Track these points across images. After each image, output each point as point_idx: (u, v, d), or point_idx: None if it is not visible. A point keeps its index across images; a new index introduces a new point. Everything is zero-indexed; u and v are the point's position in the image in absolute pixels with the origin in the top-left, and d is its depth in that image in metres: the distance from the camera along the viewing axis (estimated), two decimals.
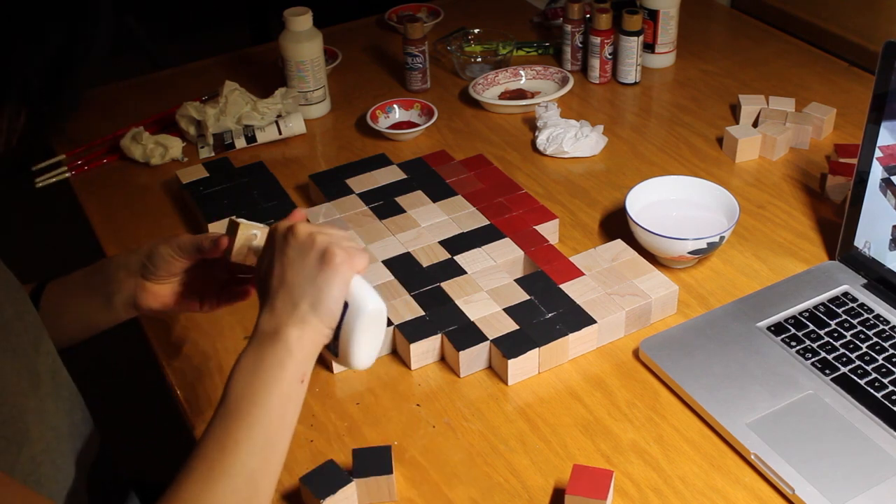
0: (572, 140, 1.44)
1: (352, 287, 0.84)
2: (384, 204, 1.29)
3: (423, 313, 1.10)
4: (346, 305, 0.84)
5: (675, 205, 1.25)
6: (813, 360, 1.05)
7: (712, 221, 1.22)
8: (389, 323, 1.09)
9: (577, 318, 1.09)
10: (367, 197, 1.31)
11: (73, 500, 0.90)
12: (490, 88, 1.63)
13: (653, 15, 1.64)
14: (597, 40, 1.61)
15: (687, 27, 1.73)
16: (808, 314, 1.11)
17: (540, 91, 1.63)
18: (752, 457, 0.95)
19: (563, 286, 1.13)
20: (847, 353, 1.05)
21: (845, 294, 1.14)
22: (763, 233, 1.28)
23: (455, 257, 1.19)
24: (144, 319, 1.17)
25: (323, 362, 1.10)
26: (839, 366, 1.04)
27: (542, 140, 1.46)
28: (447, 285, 1.14)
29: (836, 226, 1.22)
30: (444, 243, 1.21)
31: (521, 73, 1.66)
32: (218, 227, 1.27)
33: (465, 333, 1.07)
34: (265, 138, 1.52)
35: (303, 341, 0.83)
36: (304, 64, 1.53)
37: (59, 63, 0.73)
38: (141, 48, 3.19)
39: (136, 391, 2.05)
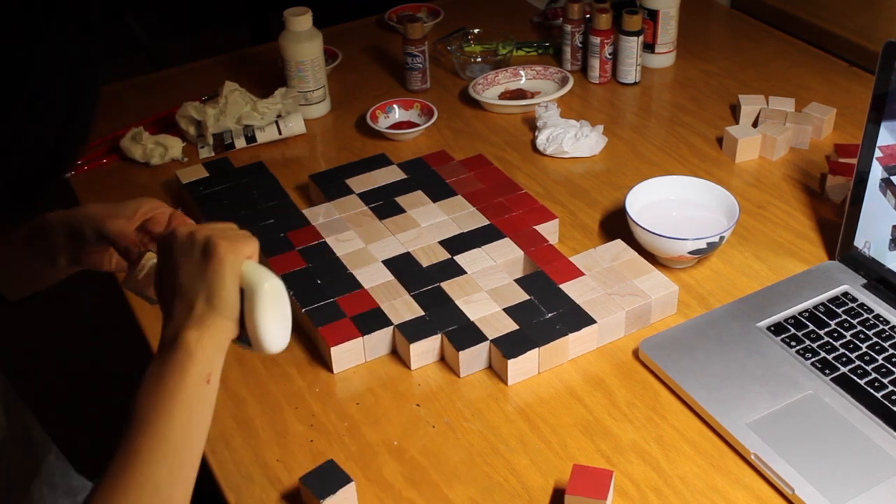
0: (572, 140, 1.44)
1: (243, 273, 0.83)
2: (384, 204, 1.29)
3: (423, 313, 1.10)
4: (242, 293, 0.83)
5: (675, 205, 1.25)
6: (813, 360, 1.05)
7: (712, 221, 1.22)
8: (389, 323, 1.09)
9: (577, 318, 1.09)
10: (367, 197, 1.31)
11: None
12: (490, 88, 1.63)
13: (653, 15, 1.64)
14: (597, 40, 1.61)
15: (687, 27, 1.73)
16: (808, 314, 1.11)
17: (540, 91, 1.63)
18: (752, 457, 0.95)
19: (562, 286, 1.13)
20: (847, 353, 1.05)
21: (845, 294, 1.13)
22: (763, 233, 1.28)
23: (455, 257, 1.19)
24: (144, 320, 1.17)
25: (322, 362, 1.10)
26: (839, 366, 1.04)
27: (542, 140, 1.46)
28: (447, 285, 1.14)
29: (836, 226, 1.22)
30: (444, 243, 1.21)
31: (521, 73, 1.66)
32: None
33: (465, 333, 1.07)
34: (265, 138, 1.52)
35: (203, 341, 0.81)
36: (304, 64, 1.53)
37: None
38: (141, 48, 3.19)
39: (134, 391, 2.04)
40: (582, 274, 1.15)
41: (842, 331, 1.08)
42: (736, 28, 1.85)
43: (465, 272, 1.16)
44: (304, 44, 1.52)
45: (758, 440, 0.96)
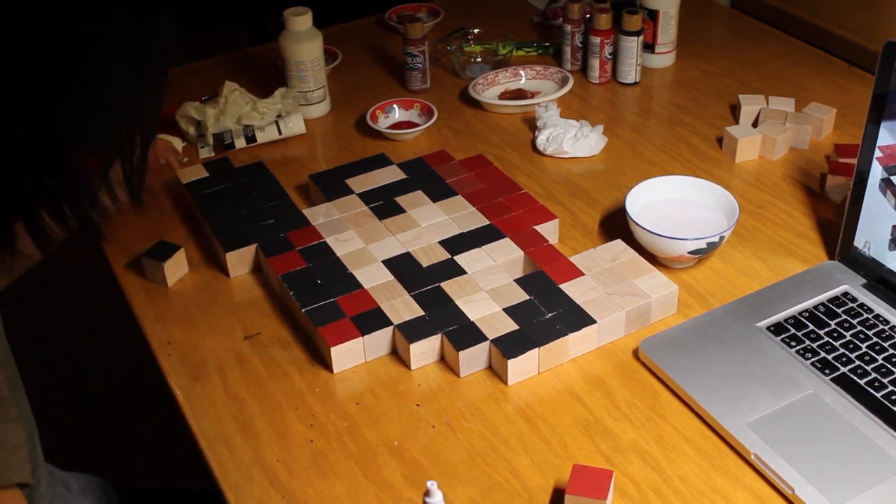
0: (572, 140, 1.44)
1: None
2: (384, 204, 1.29)
3: (423, 313, 1.10)
4: None
5: (675, 205, 1.25)
6: (813, 360, 1.05)
7: (712, 221, 1.22)
8: (389, 323, 1.09)
9: (577, 318, 1.09)
10: (367, 197, 1.31)
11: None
12: (490, 88, 1.63)
13: (653, 15, 1.64)
14: (597, 40, 1.61)
15: (687, 27, 1.73)
16: (807, 314, 1.11)
17: (540, 91, 1.63)
18: (752, 457, 0.95)
19: (562, 286, 1.13)
20: (847, 353, 1.05)
21: (845, 294, 1.13)
22: (763, 233, 1.28)
23: (455, 257, 1.19)
24: (143, 320, 1.17)
25: (322, 362, 1.10)
26: (839, 366, 1.04)
27: (542, 140, 1.46)
28: (447, 285, 1.14)
29: (836, 226, 1.22)
30: (444, 243, 1.21)
31: (521, 73, 1.66)
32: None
33: (464, 333, 1.07)
34: (265, 138, 1.52)
35: None
36: (304, 64, 1.53)
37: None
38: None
39: (135, 391, 2.05)
40: (582, 274, 1.15)
41: (842, 331, 1.08)
42: (736, 28, 1.85)
43: (465, 272, 1.16)
44: (304, 44, 1.52)
45: (758, 440, 0.96)
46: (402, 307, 1.11)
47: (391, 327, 1.09)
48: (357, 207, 1.29)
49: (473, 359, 1.07)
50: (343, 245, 1.22)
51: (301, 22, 1.52)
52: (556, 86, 1.63)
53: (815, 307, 1.12)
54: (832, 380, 1.02)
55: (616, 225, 1.29)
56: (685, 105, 1.58)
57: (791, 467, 0.93)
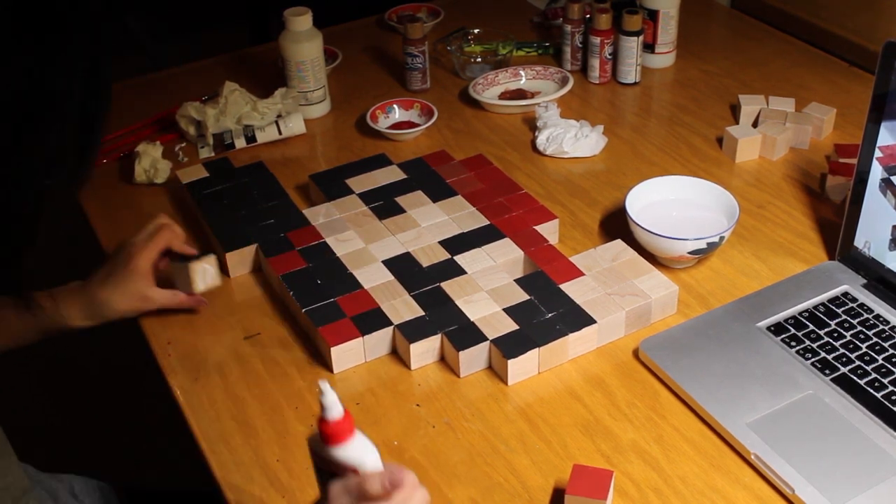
0: (572, 140, 1.44)
1: None
2: (384, 204, 1.29)
3: (423, 313, 1.10)
4: None
5: (675, 205, 1.25)
6: (813, 360, 1.05)
7: (712, 221, 1.22)
8: (389, 323, 1.09)
9: (577, 318, 1.09)
10: (367, 197, 1.31)
11: None
12: (490, 88, 1.63)
13: (653, 15, 1.64)
14: (597, 40, 1.61)
15: (687, 27, 1.73)
16: (807, 314, 1.11)
17: (540, 91, 1.63)
18: (752, 457, 0.95)
19: (563, 286, 1.13)
20: (847, 353, 1.05)
21: (845, 294, 1.13)
22: (763, 233, 1.28)
23: (455, 257, 1.19)
24: (143, 320, 1.17)
25: (322, 362, 1.10)
26: (839, 366, 1.04)
27: (542, 140, 1.46)
28: (447, 285, 1.14)
29: (836, 226, 1.22)
30: (444, 243, 1.21)
31: (521, 73, 1.66)
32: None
33: (465, 333, 1.07)
34: (265, 138, 1.51)
35: None
36: (304, 64, 1.53)
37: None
38: (141, 48, 3.19)
39: (134, 391, 2.05)
40: (582, 274, 1.15)
41: (842, 331, 1.08)
42: (736, 28, 1.85)
43: (465, 272, 1.16)
44: (304, 44, 1.52)
45: (758, 440, 0.96)
46: (402, 307, 1.11)
47: (391, 327, 1.09)
48: (357, 207, 1.29)
49: (473, 359, 1.07)
50: (343, 245, 1.22)
51: (301, 22, 1.52)
52: (556, 86, 1.63)
53: (815, 307, 1.12)
54: (832, 380, 1.02)
55: (616, 225, 1.29)
56: (685, 105, 1.58)
57: (791, 467, 0.93)
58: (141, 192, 1.43)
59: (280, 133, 1.52)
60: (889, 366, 1.03)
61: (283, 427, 1.02)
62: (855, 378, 1.02)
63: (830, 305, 1.12)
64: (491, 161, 1.39)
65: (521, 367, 1.06)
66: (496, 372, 1.07)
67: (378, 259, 1.19)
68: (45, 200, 0.73)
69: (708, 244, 1.17)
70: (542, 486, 0.94)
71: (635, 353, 1.09)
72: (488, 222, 1.25)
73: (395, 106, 1.57)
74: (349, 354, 1.08)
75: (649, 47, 1.67)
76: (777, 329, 1.09)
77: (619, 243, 1.20)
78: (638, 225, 1.18)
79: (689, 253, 1.17)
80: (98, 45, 0.73)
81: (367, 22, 1.93)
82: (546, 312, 1.10)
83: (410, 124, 1.54)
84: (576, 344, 1.08)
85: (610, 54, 1.63)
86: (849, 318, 1.10)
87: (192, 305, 1.16)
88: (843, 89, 1.59)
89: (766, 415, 0.99)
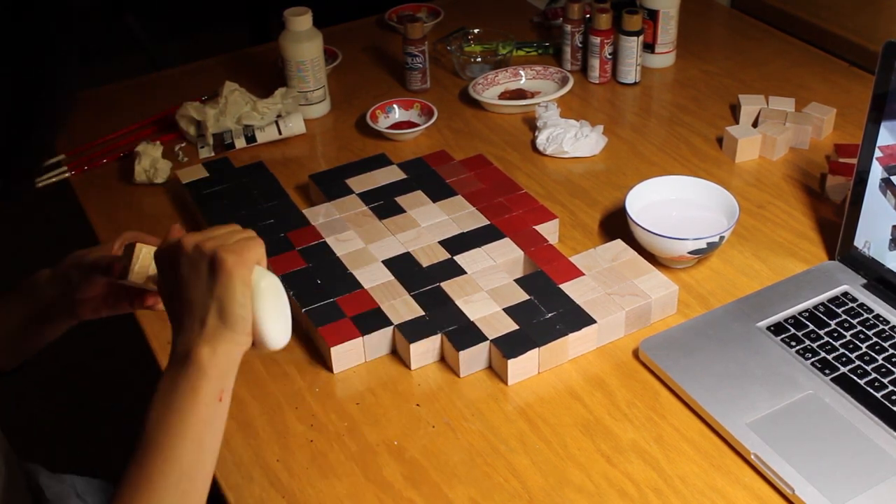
0: (572, 140, 1.44)
1: None
2: (384, 204, 1.29)
3: (423, 313, 1.10)
4: None
5: (675, 205, 1.25)
6: (813, 360, 1.05)
7: (712, 221, 1.22)
8: (389, 323, 1.09)
9: (577, 318, 1.09)
10: (367, 197, 1.31)
11: None
12: (490, 88, 1.63)
13: (653, 15, 1.64)
14: (597, 40, 1.61)
15: (687, 27, 1.73)
16: (807, 314, 1.11)
17: (540, 91, 1.63)
18: (752, 457, 0.95)
19: (563, 286, 1.13)
20: (847, 353, 1.05)
21: (845, 294, 1.13)
22: (763, 233, 1.28)
23: (455, 257, 1.19)
24: (143, 320, 1.17)
25: (322, 362, 1.10)
26: (839, 366, 1.04)
27: (542, 140, 1.46)
28: (447, 285, 1.14)
29: (836, 226, 1.22)
30: (444, 243, 1.21)
31: (521, 73, 1.66)
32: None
33: (465, 333, 1.07)
34: (265, 138, 1.52)
35: (216, 358, 0.79)
36: (304, 64, 1.53)
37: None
38: (141, 48, 3.19)
39: (135, 391, 2.05)
40: (582, 274, 1.15)
41: (842, 331, 1.08)
42: (736, 28, 1.85)
43: (465, 272, 1.16)
44: (304, 44, 1.52)
45: (758, 440, 0.96)
46: (402, 307, 1.11)
47: (391, 327, 1.09)
48: (357, 207, 1.29)
49: (473, 359, 1.07)
50: (343, 245, 1.22)
51: (301, 22, 1.52)
52: (556, 86, 1.63)
53: (815, 307, 1.12)
54: (832, 380, 1.02)
55: (616, 225, 1.29)
56: (685, 105, 1.58)
57: (791, 467, 0.93)
58: (141, 192, 1.43)
59: (280, 133, 1.52)
60: (889, 366, 1.03)
61: (283, 427, 1.02)
62: (855, 378, 1.02)
63: (830, 305, 1.12)
64: (491, 161, 1.39)
65: (521, 367, 1.06)
66: (496, 372, 1.07)
67: (378, 259, 1.19)
68: None
69: (708, 244, 1.17)
70: (542, 486, 0.94)
71: (635, 353, 1.09)
72: (488, 222, 1.25)
73: (395, 106, 1.57)
74: (349, 354, 1.08)
75: (649, 47, 1.67)
76: (777, 329, 1.09)
77: (619, 243, 1.20)
78: (638, 225, 1.18)
79: (689, 253, 1.17)
80: (44, 34, 0.70)
81: (367, 22, 1.93)
82: (546, 312, 1.10)
83: (410, 124, 1.54)
84: (576, 344, 1.08)
85: (610, 54, 1.63)
86: (849, 318, 1.10)
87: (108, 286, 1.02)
88: (843, 89, 1.59)
89: (766, 415, 0.99)
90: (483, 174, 1.35)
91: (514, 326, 1.08)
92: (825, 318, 1.10)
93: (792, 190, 1.36)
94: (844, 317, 1.10)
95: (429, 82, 1.65)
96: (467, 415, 1.03)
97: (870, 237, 1.15)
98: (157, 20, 3.37)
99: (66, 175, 1.48)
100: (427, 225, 1.25)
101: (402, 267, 1.18)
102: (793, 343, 1.07)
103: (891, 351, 1.05)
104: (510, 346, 1.05)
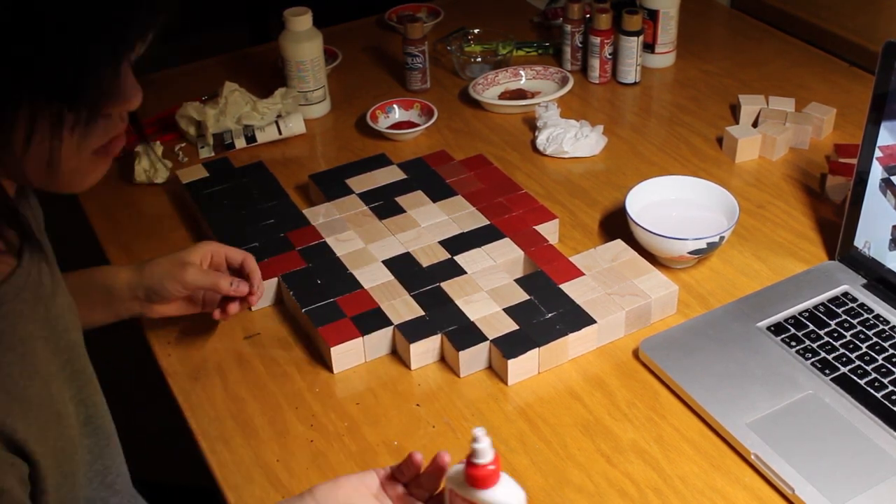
0: (572, 140, 1.44)
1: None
2: (384, 204, 1.29)
3: (423, 313, 1.10)
4: None
5: (675, 205, 1.25)
6: (813, 360, 1.05)
7: (712, 221, 1.22)
8: (389, 323, 1.09)
9: (577, 318, 1.09)
10: (367, 197, 1.31)
11: None
12: (490, 88, 1.63)
13: (653, 15, 1.64)
14: (597, 40, 1.61)
15: (687, 27, 1.73)
16: (807, 314, 1.11)
17: (540, 91, 1.63)
18: (752, 457, 0.95)
19: (563, 286, 1.13)
20: (847, 353, 1.05)
21: (845, 294, 1.13)
22: (763, 233, 1.28)
23: (455, 257, 1.19)
24: (144, 320, 1.17)
25: (322, 362, 1.10)
26: (839, 366, 1.04)
27: (542, 140, 1.46)
28: (447, 285, 1.14)
29: (836, 226, 1.22)
30: (444, 243, 1.21)
31: (521, 73, 1.66)
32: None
33: (465, 333, 1.07)
34: (265, 138, 1.51)
35: None
36: (304, 64, 1.53)
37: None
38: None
39: (135, 391, 2.04)
40: (582, 274, 1.15)
41: (842, 331, 1.08)
42: (736, 28, 1.85)
43: (465, 272, 1.16)
44: (304, 44, 1.52)
45: (758, 440, 0.96)
46: (402, 307, 1.11)
47: (391, 327, 1.09)
48: (357, 207, 1.29)
49: (473, 359, 1.07)
50: (343, 245, 1.22)
51: (301, 22, 1.52)
52: (556, 86, 1.63)
53: (815, 307, 1.12)
54: (832, 380, 1.02)
55: (616, 225, 1.29)
56: (685, 105, 1.58)
57: (791, 467, 0.93)
58: (141, 192, 1.43)
59: (280, 133, 1.52)
60: (889, 366, 1.03)
61: (283, 427, 1.02)
62: (855, 378, 1.02)
63: (830, 305, 1.12)
64: (491, 161, 1.39)
65: (521, 367, 1.06)
66: (496, 372, 1.07)
67: (378, 259, 1.19)
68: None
69: (708, 244, 1.17)
70: (542, 486, 0.94)
71: (635, 353, 1.09)
72: (488, 222, 1.25)
73: (395, 106, 1.57)
74: (349, 354, 1.08)
75: (649, 47, 1.67)
76: (777, 329, 1.09)
77: (619, 243, 1.20)
78: (638, 225, 1.18)
79: (689, 253, 1.17)
80: None
81: (367, 22, 1.93)
82: (546, 312, 1.10)
83: (410, 124, 1.54)
84: (576, 344, 1.08)
85: (610, 54, 1.63)
86: (849, 318, 1.10)
87: (213, 307, 1.12)
88: (843, 89, 1.59)
89: (766, 415, 0.99)
90: (483, 174, 1.35)
91: (514, 326, 1.08)
92: (825, 318, 1.10)
93: (792, 190, 1.36)
94: (844, 317, 1.10)
95: (429, 82, 1.65)
96: (467, 415, 1.03)
97: (870, 237, 1.15)
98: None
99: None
100: (427, 225, 1.25)
101: (402, 267, 1.18)
102: (793, 343, 1.07)
103: (891, 351, 1.05)
104: (510, 346, 1.05)
